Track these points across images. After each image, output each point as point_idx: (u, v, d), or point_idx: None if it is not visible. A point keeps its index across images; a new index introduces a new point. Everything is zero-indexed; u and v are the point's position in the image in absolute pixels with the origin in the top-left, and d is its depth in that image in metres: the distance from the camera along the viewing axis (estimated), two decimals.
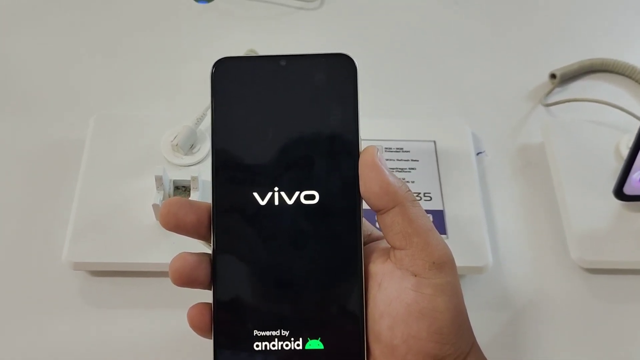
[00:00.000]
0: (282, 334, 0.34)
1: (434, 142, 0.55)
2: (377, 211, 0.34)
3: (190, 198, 0.48)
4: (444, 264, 0.34)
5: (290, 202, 0.34)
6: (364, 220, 0.36)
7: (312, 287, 0.34)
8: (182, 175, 0.49)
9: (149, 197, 0.48)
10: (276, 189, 0.34)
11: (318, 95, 0.34)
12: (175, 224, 0.34)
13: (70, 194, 0.50)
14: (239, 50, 0.61)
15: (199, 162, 0.52)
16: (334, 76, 0.34)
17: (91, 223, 0.47)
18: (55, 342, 0.45)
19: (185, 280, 0.33)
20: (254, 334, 0.34)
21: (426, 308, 0.33)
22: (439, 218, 0.50)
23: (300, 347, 0.34)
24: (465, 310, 0.35)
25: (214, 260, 0.34)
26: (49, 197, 0.52)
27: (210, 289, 0.34)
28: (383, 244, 0.37)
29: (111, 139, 0.52)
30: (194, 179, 0.48)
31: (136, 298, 0.47)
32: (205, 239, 0.35)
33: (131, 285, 0.47)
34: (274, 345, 0.34)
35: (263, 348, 0.34)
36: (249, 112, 0.34)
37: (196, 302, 0.35)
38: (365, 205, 0.35)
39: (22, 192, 0.52)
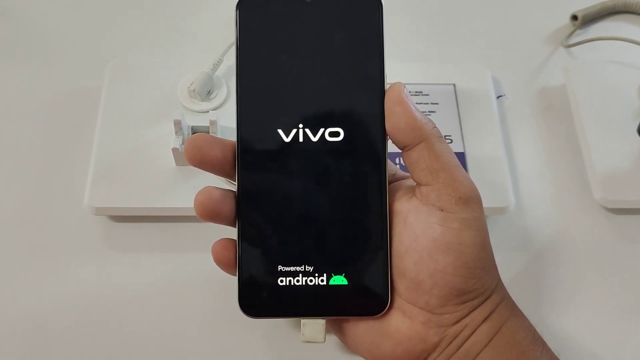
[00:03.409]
0: (307, 270, 0.34)
1: (454, 85, 0.54)
2: (402, 148, 0.34)
3: None
4: (470, 199, 0.34)
5: (314, 139, 0.34)
6: (388, 160, 0.35)
7: (336, 223, 0.34)
8: (200, 122, 0.49)
9: (168, 143, 0.48)
10: (301, 126, 0.34)
11: (343, 32, 0.34)
12: (200, 159, 0.33)
13: (89, 141, 0.50)
14: None
15: (216, 108, 0.51)
16: (360, 13, 0.34)
17: (111, 169, 0.47)
18: (79, 287, 0.45)
19: (209, 213, 0.33)
20: (279, 269, 0.34)
21: (453, 242, 0.33)
22: (460, 160, 0.49)
23: (325, 283, 0.34)
24: (491, 246, 0.35)
25: (239, 195, 0.34)
26: (69, 144, 0.52)
27: (234, 226, 0.34)
28: (408, 182, 0.37)
29: (128, 87, 0.52)
30: (213, 122, 0.47)
31: (158, 242, 0.47)
32: (230, 176, 0.35)
33: (152, 230, 0.48)
34: (298, 281, 0.34)
35: (287, 283, 0.34)
36: (274, 50, 0.34)
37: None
38: (389, 146, 0.35)
39: (41, 140, 0.52)
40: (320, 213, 0.34)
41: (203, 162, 0.34)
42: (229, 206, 0.34)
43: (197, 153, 0.33)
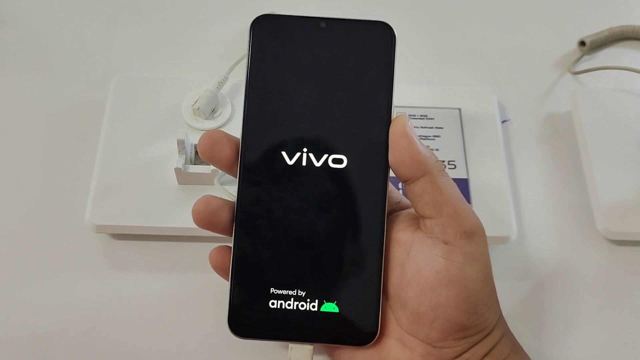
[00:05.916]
0: (299, 294, 0.34)
1: (459, 109, 0.54)
2: (404, 181, 0.34)
3: None
4: (475, 233, 0.33)
5: (317, 164, 0.34)
6: (392, 188, 0.35)
7: (332, 250, 0.34)
8: None
9: (171, 161, 0.48)
10: (305, 150, 0.34)
11: (355, 60, 0.34)
12: (210, 155, 0.34)
13: (91, 156, 0.49)
14: (259, 12, 0.59)
15: (220, 127, 0.51)
16: (373, 43, 0.34)
17: (113, 186, 0.47)
18: (78, 304, 0.45)
19: (205, 222, 0.34)
20: (271, 292, 0.34)
21: (456, 276, 0.32)
22: (463, 186, 0.49)
23: (316, 309, 0.34)
24: (493, 281, 0.35)
25: (237, 212, 0.34)
26: (71, 159, 0.51)
27: (230, 235, 0.34)
28: (412, 212, 0.36)
29: (132, 102, 0.52)
30: None
31: (158, 261, 0.47)
32: (236, 176, 0.35)
33: (153, 249, 0.47)
34: (289, 305, 0.34)
35: (278, 306, 0.34)
36: (284, 71, 0.34)
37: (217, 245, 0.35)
38: (391, 174, 0.35)
39: (43, 154, 0.52)
40: (316, 238, 0.34)
41: (212, 159, 0.34)
42: (225, 216, 0.34)
43: (208, 150, 0.34)
